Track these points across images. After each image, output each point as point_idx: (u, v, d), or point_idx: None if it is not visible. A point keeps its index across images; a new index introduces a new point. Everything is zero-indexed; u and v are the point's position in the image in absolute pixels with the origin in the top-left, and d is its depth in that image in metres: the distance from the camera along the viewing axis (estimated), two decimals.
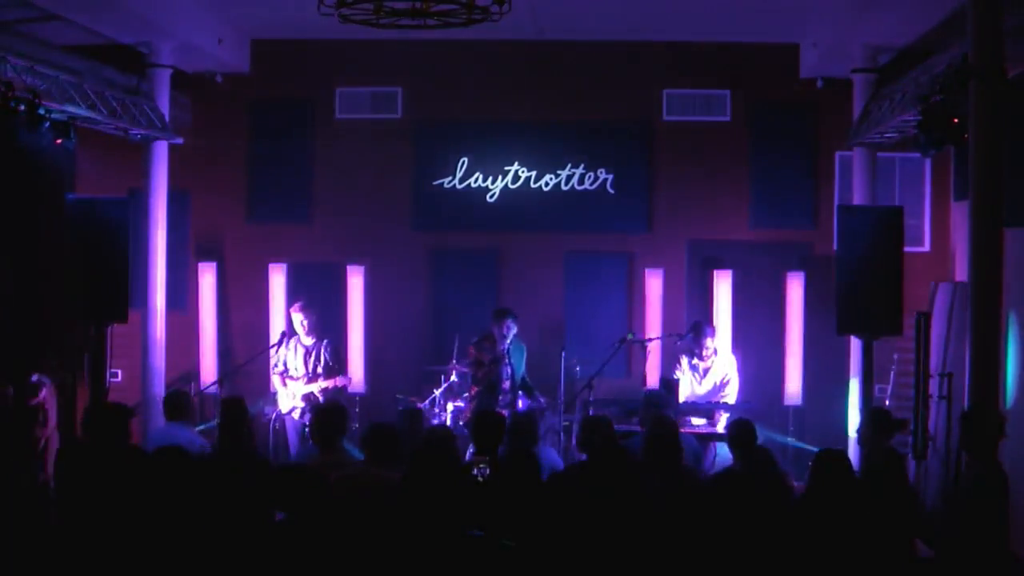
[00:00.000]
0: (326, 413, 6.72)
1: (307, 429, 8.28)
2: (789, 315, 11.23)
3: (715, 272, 11.35)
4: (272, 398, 10.37)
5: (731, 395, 9.82)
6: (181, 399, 7.62)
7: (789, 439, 9.86)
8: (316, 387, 9.88)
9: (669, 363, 10.15)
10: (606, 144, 11.47)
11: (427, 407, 9.72)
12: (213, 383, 10.02)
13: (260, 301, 11.54)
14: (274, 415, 10.10)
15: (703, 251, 11.52)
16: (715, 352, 9.84)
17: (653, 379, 10.25)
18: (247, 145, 11.70)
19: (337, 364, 10.09)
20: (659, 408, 7.79)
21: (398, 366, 11.22)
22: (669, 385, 9.29)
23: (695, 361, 9.83)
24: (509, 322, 9.41)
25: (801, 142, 11.44)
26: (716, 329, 10.14)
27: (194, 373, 11.40)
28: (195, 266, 11.62)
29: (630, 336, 9.81)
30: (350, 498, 5.62)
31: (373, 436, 6.15)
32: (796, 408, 11.01)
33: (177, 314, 11.18)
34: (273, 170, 11.66)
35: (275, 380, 10.25)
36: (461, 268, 11.55)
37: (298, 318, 10.04)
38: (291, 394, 10.10)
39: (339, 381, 9.87)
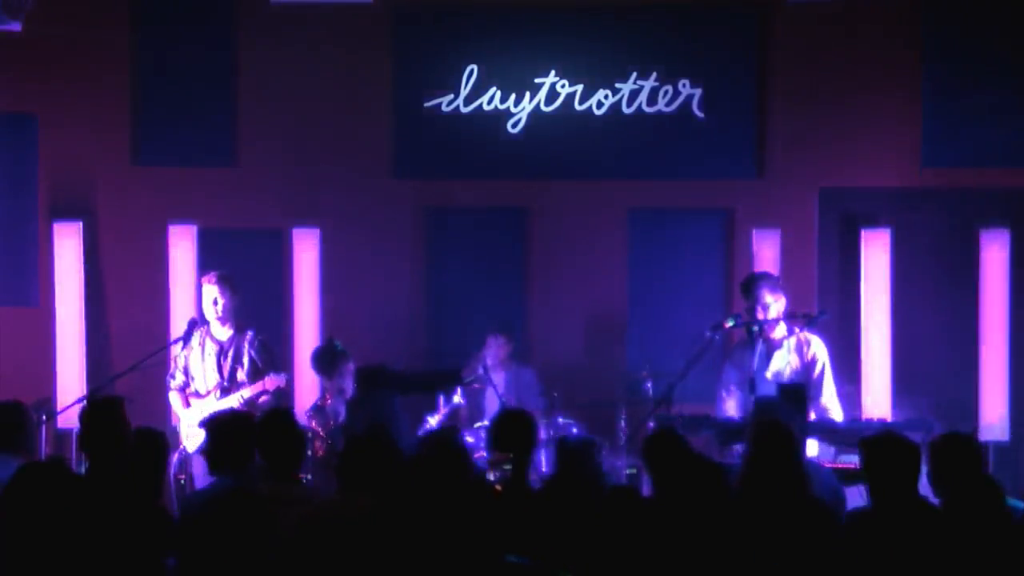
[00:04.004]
0: (273, 423, 5.87)
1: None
2: (986, 297, 9.84)
3: (864, 233, 9.97)
4: (172, 432, 8.65)
5: (830, 402, 8.38)
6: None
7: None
8: (235, 399, 8.52)
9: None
10: (691, 40, 10.08)
11: None
12: (77, 402, 8.54)
13: (154, 283, 10.06)
14: (175, 458, 8.41)
15: (844, 203, 10.21)
16: (780, 319, 8.51)
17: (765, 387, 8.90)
18: (130, 43, 10.19)
19: (269, 367, 8.77)
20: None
21: None
22: (795, 394, 7.97)
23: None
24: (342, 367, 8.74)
25: (1014, 28, 9.80)
26: (780, 283, 8.77)
27: (48, 395, 9.90)
28: (47, 230, 10.14)
29: (731, 322, 8.49)
30: (326, 541, 5.31)
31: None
32: (1000, 445, 9.67)
33: (18, 310, 10.00)
34: (174, 83, 10.16)
35: (173, 400, 8.72)
36: (469, 234, 10.25)
37: (211, 293, 8.60)
38: (199, 419, 8.66)
39: (269, 382, 8.45)
